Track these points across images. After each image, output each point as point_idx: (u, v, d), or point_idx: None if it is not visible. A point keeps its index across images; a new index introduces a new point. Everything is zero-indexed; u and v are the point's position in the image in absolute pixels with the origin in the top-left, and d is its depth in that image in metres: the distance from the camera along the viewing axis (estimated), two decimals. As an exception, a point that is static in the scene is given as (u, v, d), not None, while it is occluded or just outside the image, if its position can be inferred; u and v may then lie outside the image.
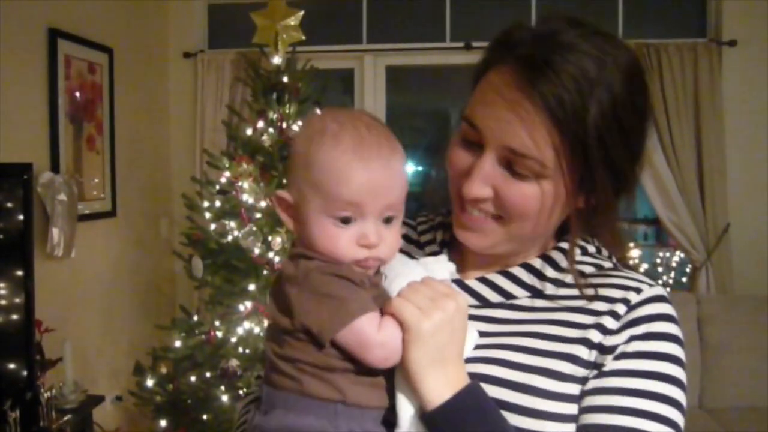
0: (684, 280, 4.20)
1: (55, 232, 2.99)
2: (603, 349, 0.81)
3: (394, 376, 0.80)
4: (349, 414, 0.78)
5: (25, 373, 2.47)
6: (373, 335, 0.77)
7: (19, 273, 2.46)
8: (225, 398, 3.01)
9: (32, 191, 2.62)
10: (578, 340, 0.82)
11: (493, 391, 0.80)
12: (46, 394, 2.58)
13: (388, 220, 0.82)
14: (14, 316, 2.46)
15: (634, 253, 4.46)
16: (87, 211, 3.33)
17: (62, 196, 3.01)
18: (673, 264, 4.93)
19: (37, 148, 3.04)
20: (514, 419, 0.78)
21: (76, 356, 2.97)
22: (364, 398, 0.79)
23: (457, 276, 0.92)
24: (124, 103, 3.68)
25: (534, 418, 0.78)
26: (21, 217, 2.47)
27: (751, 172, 3.80)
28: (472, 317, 0.85)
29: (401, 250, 0.89)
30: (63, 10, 3.19)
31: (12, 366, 2.46)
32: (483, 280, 0.91)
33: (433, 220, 1.04)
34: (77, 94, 3.30)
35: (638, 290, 0.84)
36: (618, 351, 0.81)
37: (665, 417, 0.78)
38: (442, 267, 0.88)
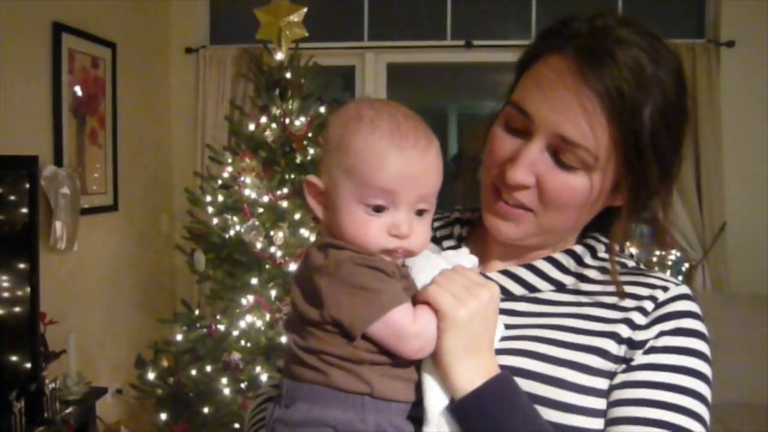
0: (680, 278, 4.24)
1: (58, 225, 3.00)
2: (632, 344, 0.81)
3: (421, 371, 0.79)
4: (377, 407, 0.76)
5: (29, 365, 2.49)
6: (408, 326, 0.75)
7: (24, 266, 2.49)
8: (226, 391, 3.04)
9: (38, 184, 2.64)
10: (606, 333, 0.82)
11: (521, 383, 0.79)
12: (50, 386, 2.60)
13: (419, 213, 0.80)
14: (19, 309, 2.48)
15: (633, 251, 4.50)
16: (89, 205, 3.35)
17: (65, 190, 3.03)
18: (669, 262, 4.97)
19: (41, 141, 3.06)
20: (542, 411, 0.78)
21: (79, 349, 2.99)
22: (391, 391, 0.77)
23: (479, 269, 0.89)
24: (126, 98, 3.70)
25: (562, 411, 0.78)
26: (26, 210, 2.50)
27: (748, 171, 3.84)
28: None
29: None
30: (67, 5, 3.20)
31: (17, 357, 2.49)
32: (506, 273, 0.90)
33: (448, 217, 1.02)
34: (80, 88, 3.32)
35: (665, 288, 0.84)
36: (648, 346, 0.81)
37: (693, 411, 0.78)
38: (464, 260, 0.86)
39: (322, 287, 0.76)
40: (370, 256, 0.78)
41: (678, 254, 4.16)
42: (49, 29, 3.09)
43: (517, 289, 0.89)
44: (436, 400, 0.78)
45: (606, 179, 0.82)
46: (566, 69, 0.79)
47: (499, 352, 0.82)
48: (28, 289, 2.48)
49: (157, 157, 4.13)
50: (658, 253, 5.18)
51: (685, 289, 0.85)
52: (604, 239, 0.92)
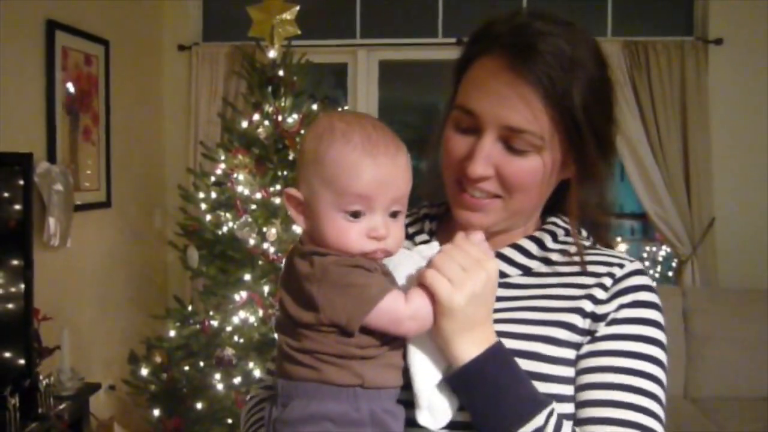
0: (670, 274, 4.29)
1: (52, 221, 3.01)
2: (595, 317, 0.90)
3: (407, 356, 0.85)
4: (368, 395, 0.82)
5: (23, 360, 2.51)
6: (401, 310, 0.81)
7: (18, 262, 2.50)
8: (220, 387, 3.06)
9: (32, 181, 2.65)
10: (572, 309, 0.90)
11: None
12: (44, 382, 2.62)
13: (393, 215, 0.86)
14: (13, 305, 2.49)
15: (621, 247, 4.54)
16: (82, 202, 3.35)
17: (58, 186, 3.04)
18: (659, 258, 5.02)
19: (34, 138, 3.07)
20: None
21: (72, 345, 3.00)
22: (381, 379, 0.83)
23: None
24: (119, 95, 3.71)
25: (540, 381, 0.85)
26: (19, 207, 2.51)
27: (736, 167, 3.89)
28: None
29: None
30: (61, 3, 3.21)
31: (11, 354, 2.50)
32: None
33: (417, 213, 1.08)
34: (74, 85, 3.33)
35: (621, 265, 0.94)
36: (609, 318, 0.90)
37: (651, 374, 0.88)
38: (435, 253, 0.90)
39: (315, 293, 0.81)
40: (353, 257, 0.83)
41: (668, 250, 4.20)
42: (42, 27, 3.10)
43: None
44: (424, 382, 0.84)
45: (555, 155, 0.90)
46: (499, 67, 0.87)
47: None
48: (22, 286, 2.49)
49: (150, 154, 4.14)
50: (647, 249, 5.23)
51: (638, 265, 0.95)
52: (562, 224, 1.00)
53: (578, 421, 0.87)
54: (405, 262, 0.89)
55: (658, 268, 4.97)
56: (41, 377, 2.62)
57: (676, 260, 4.06)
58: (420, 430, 0.85)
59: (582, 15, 4.10)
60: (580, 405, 0.87)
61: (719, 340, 3.51)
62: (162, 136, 4.27)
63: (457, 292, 0.81)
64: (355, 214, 0.83)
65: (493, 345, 0.84)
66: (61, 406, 2.72)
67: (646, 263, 4.78)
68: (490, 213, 0.92)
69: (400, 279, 0.87)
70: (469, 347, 0.83)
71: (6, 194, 2.50)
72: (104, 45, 3.57)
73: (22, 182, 2.51)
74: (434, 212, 1.06)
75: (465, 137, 0.91)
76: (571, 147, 0.90)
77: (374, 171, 0.82)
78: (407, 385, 0.85)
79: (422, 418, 0.84)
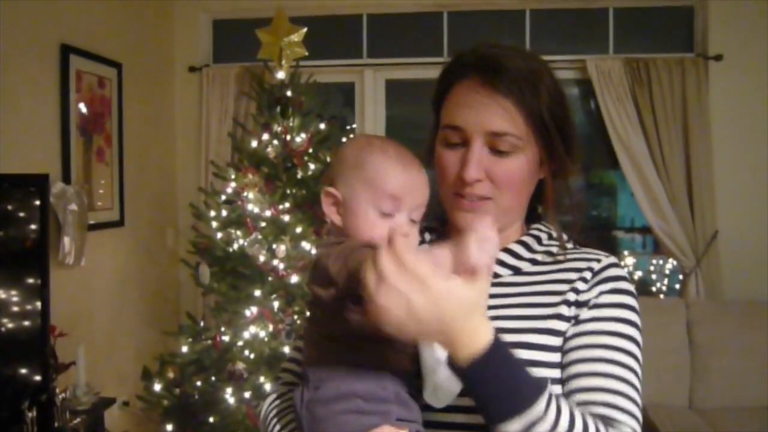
0: (677, 286, 4.31)
1: (67, 240, 3.08)
2: (579, 304, 1.04)
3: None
4: (393, 378, 0.94)
5: (40, 376, 2.57)
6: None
7: (34, 281, 2.55)
8: (231, 401, 3.11)
9: (48, 202, 2.72)
10: (559, 302, 1.04)
11: None
12: (60, 396, 2.68)
13: (412, 222, 1.00)
14: (30, 323, 2.55)
15: (629, 261, 4.59)
16: (96, 221, 3.43)
17: (73, 206, 3.11)
18: (666, 271, 5.04)
19: (50, 159, 3.15)
20: None
21: (87, 360, 3.06)
22: (401, 364, 0.95)
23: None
24: (132, 116, 3.80)
25: (534, 367, 0.93)
26: (35, 226, 2.56)
27: (738, 181, 3.93)
28: None
29: None
30: (75, 27, 3.31)
31: (29, 369, 2.56)
32: None
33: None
34: (87, 107, 3.42)
35: (598, 260, 1.08)
36: (591, 303, 1.03)
37: (630, 351, 1.00)
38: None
39: (329, 263, 0.92)
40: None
41: (674, 263, 4.23)
42: (57, 51, 3.19)
43: None
44: (430, 363, 0.93)
45: (533, 154, 1.05)
46: (475, 85, 1.03)
47: None
48: (39, 304, 2.54)
49: (162, 174, 4.23)
50: (654, 262, 5.26)
51: (614, 260, 1.09)
52: (545, 229, 1.15)
53: (566, 393, 0.98)
54: None
55: (665, 281, 4.99)
56: (57, 392, 2.68)
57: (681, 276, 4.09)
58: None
59: (584, 33, 4.18)
60: (567, 379, 0.99)
61: (723, 352, 3.53)
62: (174, 156, 4.35)
63: (383, 294, 0.79)
64: (386, 213, 0.98)
65: (491, 342, 0.84)
66: (77, 421, 2.77)
67: (653, 276, 4.81)
68: (485, 214, 1.02)
69: None
70: (467, 342, 0.83)
71: (23, 214, 2.56)
72: (117, 68, 3.66)
73: (38, 203, 2.56)
74: (433, 225, 1.19)
75: (455, 151, 1.05)
76: (543, 146, 1.05)
77: (405, 176, 0.99)
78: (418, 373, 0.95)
79: (427, 395, 0.94)
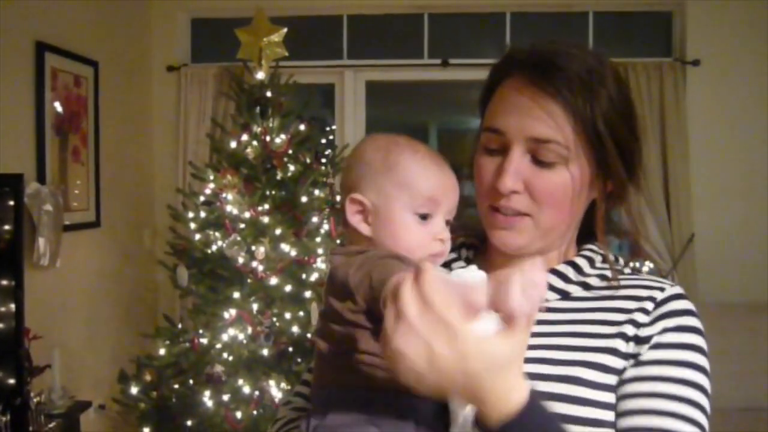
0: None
1: (42, 241, 3.04)
2: (638, 340, 0.90)
3: None
4: (412, 404, 0.80)
5: (14, 380, 2.52)
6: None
7: (8, 282, 2.51)
8: (209, 404, 3.08)
9: (22, 202, 2.68)
10: (614, 334, 0.90)
11: (542, 385, 0.85)
12: (35, 400, 2.64)
13: (447, 223, 0.93)
14: (3, 325, 2.51)
15: (649, 264, 4.61)
16: (72, 222, 3.38)
17: (48, 207, 3.06)
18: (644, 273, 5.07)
19: (24, 158, 3.10)
20: (564, 408, 0.84)
21: (62, 363, 3.02)
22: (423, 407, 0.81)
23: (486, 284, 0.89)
24: (108, 116, 3.75)
25: (581, 405, 0.86)
26: (9, 227, 2.52)
27: (714, 184, 3.98)
28: None
29: None
30: (50, 24, 3.26)
31: (2, 372, 2.52)
32: None
33: (453, 241, 1.02)
34: (63, 106, 3.36)
35: (662, 289, 0.94)
36: (653, 341, 0.90)
37: (697, 402, 0.87)
38: (473, 275, 0.85)
39: (349, 274, 0.81)
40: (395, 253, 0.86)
41: (651, 266, 4.28)
42: (32, 48, 3.14)
43: None
44: (459, 427, 0.80)
45: (583, 169, 0.92)
46: (522, 85, 0.92)
47: None
48: (13, 306, 2.51)
49: (139, 174, 4.18)
50: (632, 264, 5.31)
51: (679, 290, 0.95)
52: (599, 250, 1.01)
53: None
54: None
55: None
56: (32, 396, 2.64)
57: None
58: None
59: (563, 36, 4.18)
60: (622, 430, 0.87)
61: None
62: (151, 156, 4.30)
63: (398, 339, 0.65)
64: (424, 216, 0.89)
65: (526, 402, 0.70)
66: (52, 425, 2.74)
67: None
68: (522, 232, 0.94)
69: None
70: (498, 402, 0.69)
71: (-5, 214, 2.53)
72: (93, 66, 3.61)
73: (12, 203, 2.53)
74: (470, 242, 1.08)
75: (494, 158, 0.94)
76: (596, 160, 0.92)
77: (441, 176, 0.91)
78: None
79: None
